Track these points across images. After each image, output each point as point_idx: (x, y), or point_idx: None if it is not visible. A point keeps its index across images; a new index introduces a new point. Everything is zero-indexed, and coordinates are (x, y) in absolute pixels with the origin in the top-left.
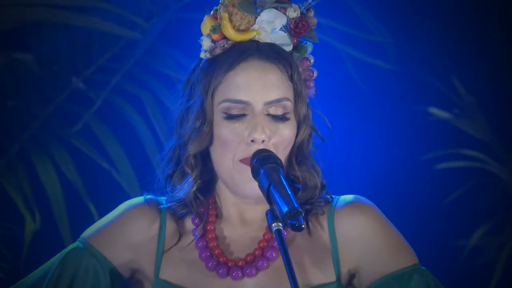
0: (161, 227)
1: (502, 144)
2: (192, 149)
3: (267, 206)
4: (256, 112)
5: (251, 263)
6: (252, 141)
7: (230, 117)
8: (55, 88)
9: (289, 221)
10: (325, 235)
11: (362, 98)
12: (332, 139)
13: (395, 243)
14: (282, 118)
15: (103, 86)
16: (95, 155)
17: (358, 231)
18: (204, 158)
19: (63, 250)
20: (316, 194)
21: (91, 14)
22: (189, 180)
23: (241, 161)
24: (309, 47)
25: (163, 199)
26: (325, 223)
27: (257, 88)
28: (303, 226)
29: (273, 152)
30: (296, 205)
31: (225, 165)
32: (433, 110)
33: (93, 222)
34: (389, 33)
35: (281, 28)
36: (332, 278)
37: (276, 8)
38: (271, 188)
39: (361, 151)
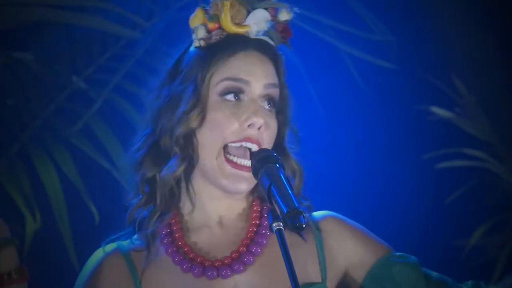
0: (130, 266)
1: (503, 143)
2: (182, 129)
3: (242, 203)
4: (254, 97)
5: (237, 259)
6: (249, 126)
7: (226, 100)
8: (55, 87)
9: (289, 221)
10: (311, 241)
11: (363, 98)
12: (333, 138)
13: (366, 239)
14: (271, 111)
15: (103, 85)
16: (96, 155)
17: (341, 236)
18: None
19: None
20: (298, 193)
21: (91, 14)
22: (176, 160)
23: (226, 159)
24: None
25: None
26: (311, 232)
27: (257, 72)
28: (303, 226)
29: (273, 152)
30: (297, 205)
31: (213, 151)
32: (434, 109)
33: (93, 221)
34: (390, 33)
35: (265, 32)
36: (318, 279)
37: (266, 9)
38: (272, 188)
39: (362, 151)
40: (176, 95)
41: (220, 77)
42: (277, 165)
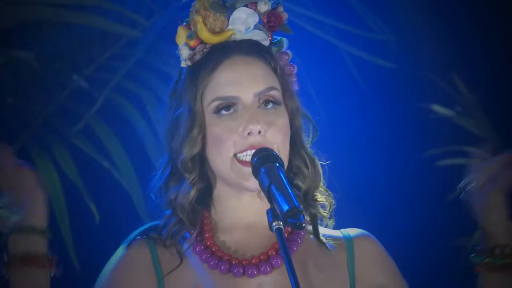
0: (154, 261)
1: (504, 142)
2: (187, 153)
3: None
4: (247, 105)
5: (265, 261)
6: (249, 134)
7: (221, 115)
8: (56, 86)
9: (289, 220)
10: (343, 256)
11: (364, 97)
12: (335, 137)
13: (395, 272)
14: (274, 108)
15: (104, 84)
16: (96, 154)
17: (377, 260)
18: (201, 164)
19: None
20: (317, 185)
21: (91, 13)
22: (186, 184)
23: (239, 161)
24: (285, 43)
25: (148, 226)
26: (343, 248)
27: (244, 81)
28: (303, 224)
29: (273, 151)
30: (297, 204)
31: (223, 163)
32: (435, 108)
33: (93, 221)
34: (390, 31)
35: (255, 26)
36: None
37: (247, 5)
38: (272, 187)
39: (363, 149)
40: (176, 118)
41: (210, 97)
42: (277, 164)
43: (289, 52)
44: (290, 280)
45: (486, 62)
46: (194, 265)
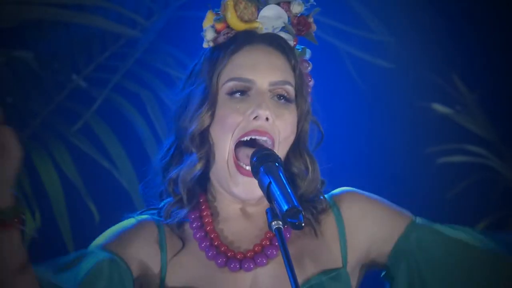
0: (161, 239)
1: (503, 140)
2: (195, 127)
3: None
4: (260, 91)
5: (260, 253)
6: (255, 118)
7: (233, 97)
8: (55, 86)
9: (289, 220)
10: (332, 223)
11: (363, 96)
12: (334, 137)
13: (389, 211)
14: (285, 104)
15: (103, 84)
16: (95, 154)
17: (362, 212)
18: (208, 144)
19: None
20: (317, 188)
21: (91, 12)
22: (193, 158)
23: (237, 165)
24: (308, 53)
25: (152, 212)
26: (330, 212)
27: (262, 67)
28: (303, 224)
29: (273, 151)
30: (296, 204)
31: (223, 149)
32: (435, 107)
33: (93, 220)
34: (389, 32)
35: (282, 28)
36: (338, 265)
37: (279, 3)
38: (271, 186)
39: (363, 149)
40: (189, 95)
41: (225, 76)
42: (277, 164)
43: (309, 62)
44: (290, 280)
45: (485, 62)
46: (195, 251)
